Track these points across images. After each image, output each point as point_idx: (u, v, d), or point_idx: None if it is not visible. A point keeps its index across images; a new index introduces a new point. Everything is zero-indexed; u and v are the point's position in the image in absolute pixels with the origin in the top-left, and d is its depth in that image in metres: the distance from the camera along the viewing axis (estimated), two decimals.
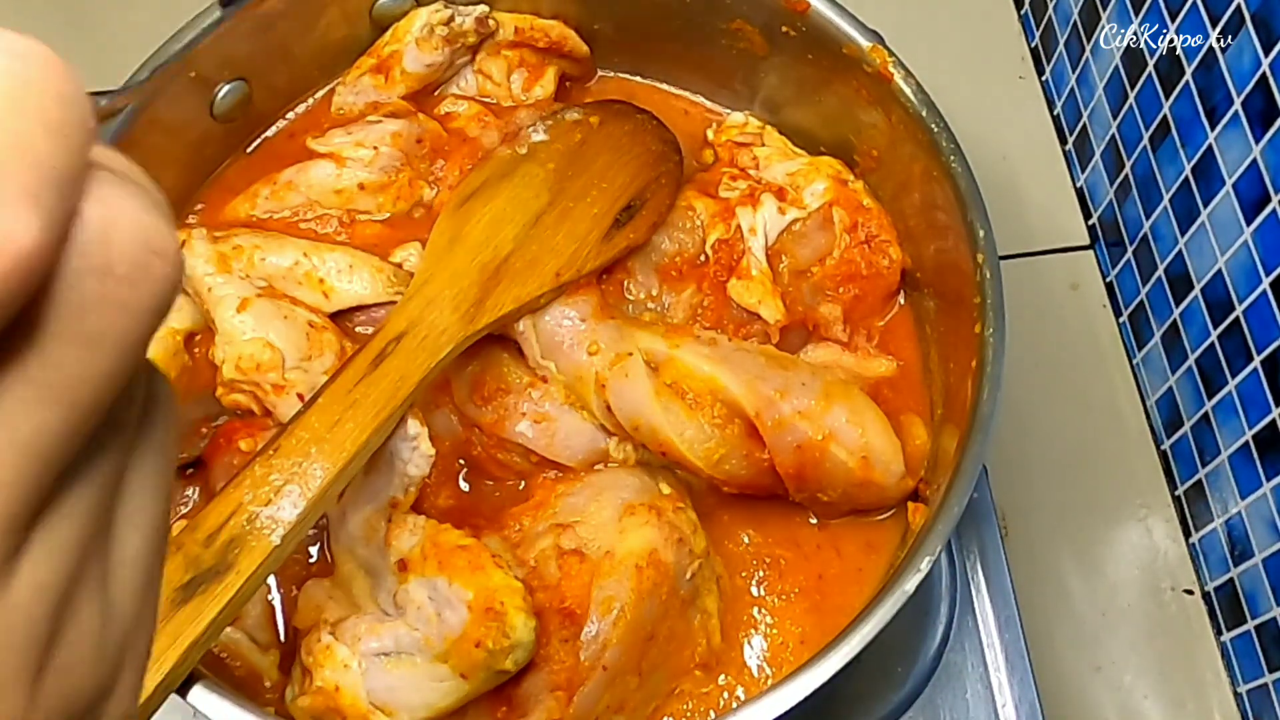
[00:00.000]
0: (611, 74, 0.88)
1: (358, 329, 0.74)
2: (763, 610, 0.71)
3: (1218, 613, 0.87)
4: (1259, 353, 0.78)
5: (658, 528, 0.65)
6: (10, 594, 0.20)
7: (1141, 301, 0.94)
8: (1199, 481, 0.88)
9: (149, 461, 0.24)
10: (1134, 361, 0.96)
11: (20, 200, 0.18)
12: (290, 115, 0.83)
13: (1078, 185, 1.02)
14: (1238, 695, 0.85)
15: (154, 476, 0.24)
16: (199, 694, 0.56)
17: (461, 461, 0.72)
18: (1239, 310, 0.80)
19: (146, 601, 0.24)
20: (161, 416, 0.24)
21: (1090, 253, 1.00)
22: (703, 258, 0.75)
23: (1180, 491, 0.91)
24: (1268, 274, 0.76)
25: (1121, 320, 0.97)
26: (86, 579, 0.22)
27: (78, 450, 0.21)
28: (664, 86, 0.88)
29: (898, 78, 0.73)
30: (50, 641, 0.21)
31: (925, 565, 0.60)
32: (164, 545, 0.25)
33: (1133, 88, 0.91)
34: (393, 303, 0.72)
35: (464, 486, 0.72)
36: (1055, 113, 1.05)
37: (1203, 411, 0.86)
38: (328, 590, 0.65)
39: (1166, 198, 0.88)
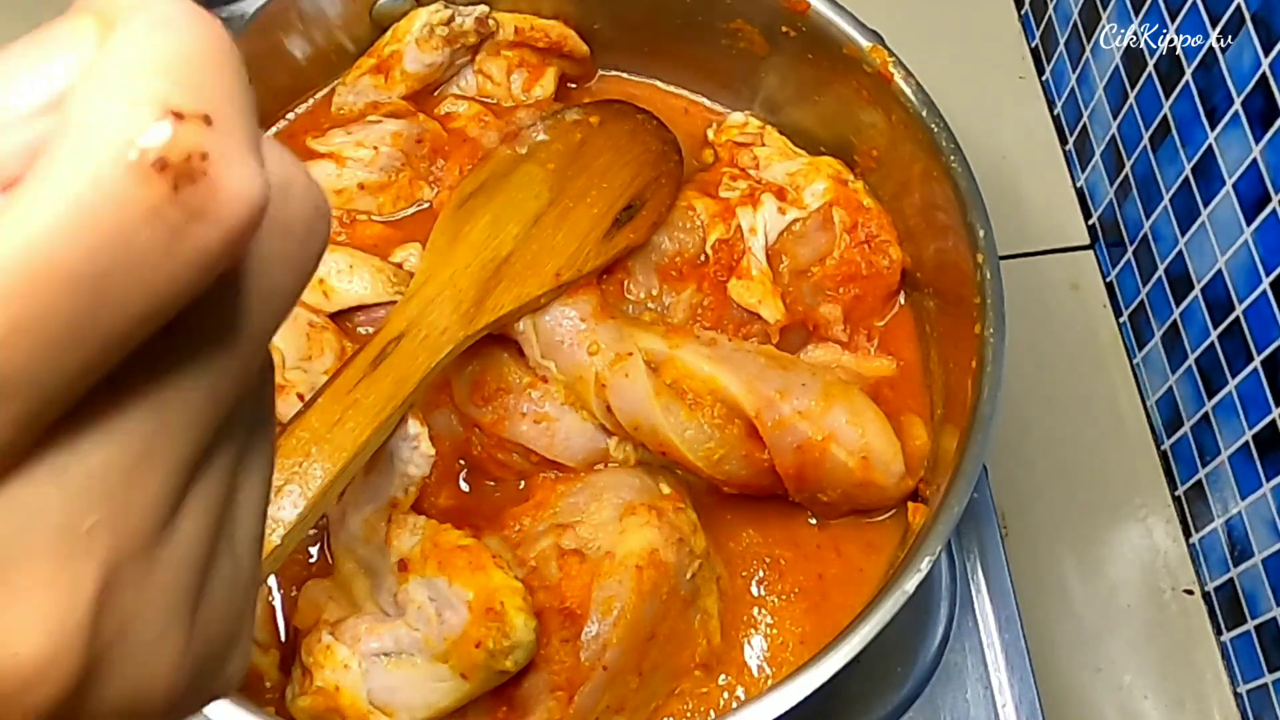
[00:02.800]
0: (611, 74, 0.88)
1: (358, 329, 0.74)
2: (763, 610, 0.71)
3: (1218, 613, 0.87)
4: (1259, 353, 0.78)
5: (658, 528, 0.65)
6: (175, 541, 0.21)
7: (1141, 301, 0.94)
8: (1199, 481, 0.88)
9: (265, 427, 0.25)
10: (1134, 361, 0.96)
11: (247, 150, 0.18)
12: (290, 115, 0.83)
13: (1078, 185, 1.02)
14: (1238, 695, 0.85)
15: (266, 441, 0.25)
16: None
17: (461, 461, 0.72)
18: (1239, 310, 0.80)
19: (258, 560, 0.25)
20: (272, 381, 0.25)
21: (1090, 253, 1.00)
22: (703, 258, 0.75)
23: (1180, 491, 0.91)
24: (1268, 274, 0.76)
25: (1121, 320, 0.97)
26: (222, 536, 0.23)
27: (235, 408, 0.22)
28: (664, 86, 0.88)
29: (898, 78, 0.73)
30: (202, 587, 0.22)
31: (925, 565, 0.60)
32: (267, 506, 0.26)
33: (1133, 88, 0.91)
34: (393, 303, 0.72)
35: (464, 486, 0.72)
36: (1055, 113, 1.05)
37: (1203, 411, 0.86)
38: (328, 590, 0.65)
39: (1166, 198, 0.88)
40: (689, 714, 0.67)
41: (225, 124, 0.18)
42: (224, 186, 0.18)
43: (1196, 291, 0.85)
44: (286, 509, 0.57)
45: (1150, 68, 0.88)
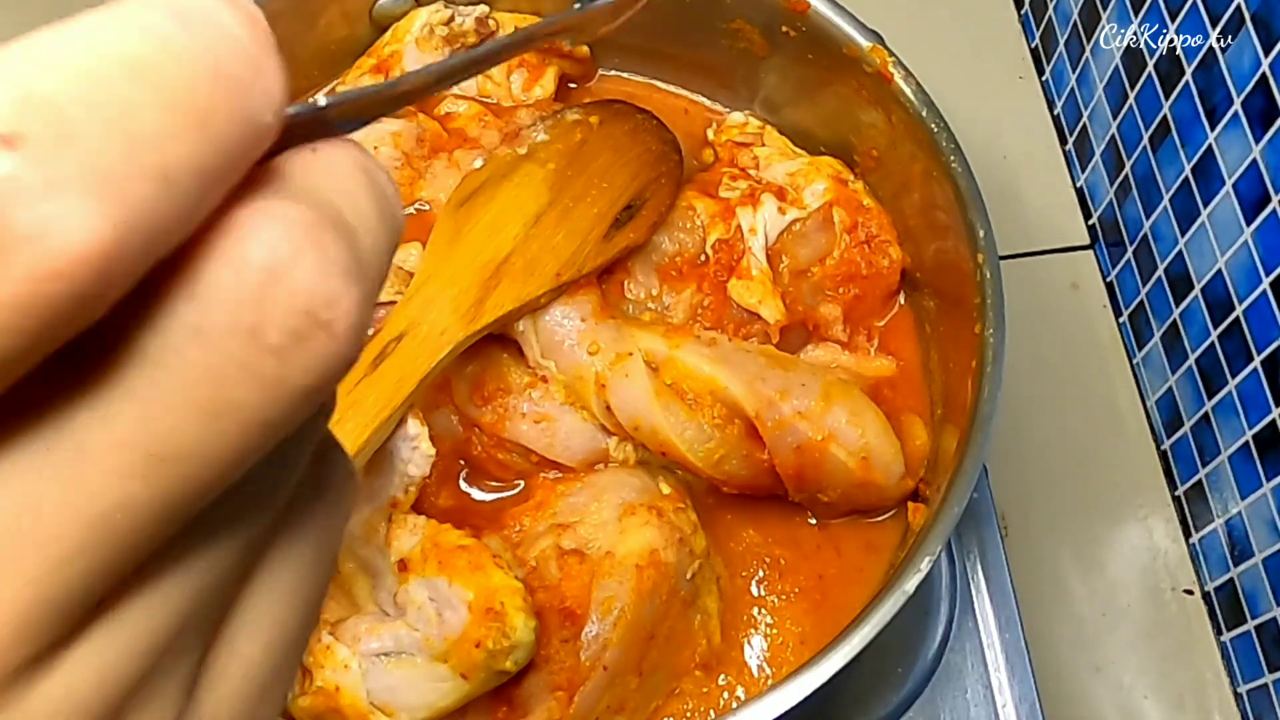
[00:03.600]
0: (611, 74, 0.88)
1: None
2: (763, 610, 0.71)
3: (1218, 613, 0.87)
4: (1259, 353, 0.78)
5: (658, 528, 0.65)
6: (34, 698, 0.15)
7: (1141, 301, 0.93)
8: (1199, 481, 0.88)
9: (294, 557, 0.19)
10: (1134, 361, 0.96)
11: (86, 186, 0.14)
12: None
13: (1078, 185, 1.02)
14: (1238, 695, 0.85)
15: (297, 573, 0.19)
16: None
17: (461, 462, 0.72)
18: (1239, 310, 0.80)
19: None
20: (326, 506, 0.20)
21: (1090, 253, 1.00)
22: (703, 258, 0.75)
23: (1180, 491, 0.91)
24: (1268, 274, 0.76)
25: (1121, 320, 0.97)
26: (162, 691, 0.17)
27: (174, 533, 0.17)
28: (664, 86, 0.88)
29: (898, 78, 0.73)
30: None
31: (925, 565, 0.60)
32: (297, 654, 0.20)
33: (1133, 88, 0.91)
34: (393, 303, 0.72)
35: (464, 486, 0.72)
36: (1055, 113, 1.05)
37: (1203, 411, 0.86)
38: (328, 590, 0.65)
39: (1166, 198, 0.88)
40: (689, 714, 0.67)
41: (51, 148, 0.14)
42: (18, 226, 0.13)
43: (1196, 291, 0.85)
44: None
45: (1150, 68, 0.88)
